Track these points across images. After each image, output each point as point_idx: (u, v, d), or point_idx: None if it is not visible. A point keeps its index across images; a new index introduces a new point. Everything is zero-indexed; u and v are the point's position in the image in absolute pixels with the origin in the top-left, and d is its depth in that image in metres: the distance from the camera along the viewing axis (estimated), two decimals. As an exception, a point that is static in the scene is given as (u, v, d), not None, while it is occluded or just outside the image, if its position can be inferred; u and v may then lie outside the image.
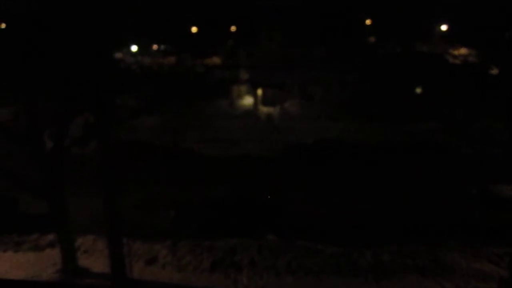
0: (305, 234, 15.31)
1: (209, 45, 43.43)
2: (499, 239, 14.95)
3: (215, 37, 43.48)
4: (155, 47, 47.20)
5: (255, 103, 37.26)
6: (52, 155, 12.45)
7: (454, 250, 14.42)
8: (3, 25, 13.67)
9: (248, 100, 37.86)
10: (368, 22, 46.77)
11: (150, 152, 24.58)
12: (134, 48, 44.85)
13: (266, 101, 37.32)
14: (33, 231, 15.56)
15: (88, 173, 16.71)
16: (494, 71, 38.99)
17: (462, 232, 15.79)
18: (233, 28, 47.08)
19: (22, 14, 12.43)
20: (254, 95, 37.66)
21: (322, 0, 41.34)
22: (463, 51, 43.60)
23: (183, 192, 19.45)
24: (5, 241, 15.13)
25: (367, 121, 30.24)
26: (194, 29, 47.07)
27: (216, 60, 43.56)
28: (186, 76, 38.22)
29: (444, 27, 45.43)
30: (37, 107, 12.39)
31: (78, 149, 15.85)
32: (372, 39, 46.45)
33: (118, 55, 39.07)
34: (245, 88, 38.49)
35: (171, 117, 31.89)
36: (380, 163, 23.20)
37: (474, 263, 13.79)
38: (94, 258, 14.00)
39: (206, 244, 14.75)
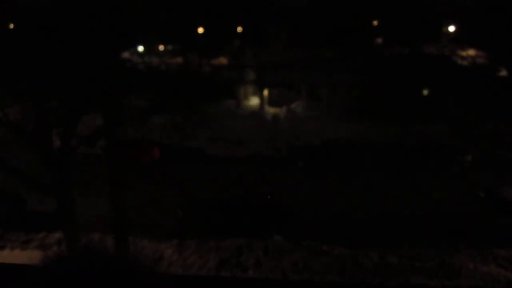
0: (311, 235, 15.29)
1: (215, 45, 43.41)
2: (507, 242, 14.85)
3: (221, 37, 43.47)
4: (161, 47, 47.29)
5: (261, 104, 37.20)
6: (60, 153, 12.52)
7: (462, 253, 14.34)
8: (12, 26, 13.75)
9: (254, 101, 37.80)
10: (375, 23, 46.55)
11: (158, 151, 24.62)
12: (140, 48, 44.96)
13: (272, 101, 37.20)
14: (41, 229, 15.67)
15: (95, 172, 16.78)
16: (503, 73, 38.70)
17: (470, 235, 15.68)
18: (239, 29, 47.10)
19: (31, 14, 12.51)
20: (260, 96, 37.59)
21: (330, 0, 41.20)
22: (471, 52, 43.25)
23: (190, 192, 19.47)
24: (13, 239, 15.23)
25: (375, 123, 30.11)
26: (200, 30, 47.14)
27: (222, 60, 43.50)
28: (193, 77, 38.18)
29: (452, 28, 45.11)
30: (46, 106, 12.45)
31: (87, 149, 15.94)
32: (379, 40, 46.22)
33: (125, 54, 39.16)
34: (251, 88, 38.39)
35: (178, 117, 31.84)
36: (388, 165, 23.09)
37: (481, 266, 13.71)
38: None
39: (212, 244, 14.77)
